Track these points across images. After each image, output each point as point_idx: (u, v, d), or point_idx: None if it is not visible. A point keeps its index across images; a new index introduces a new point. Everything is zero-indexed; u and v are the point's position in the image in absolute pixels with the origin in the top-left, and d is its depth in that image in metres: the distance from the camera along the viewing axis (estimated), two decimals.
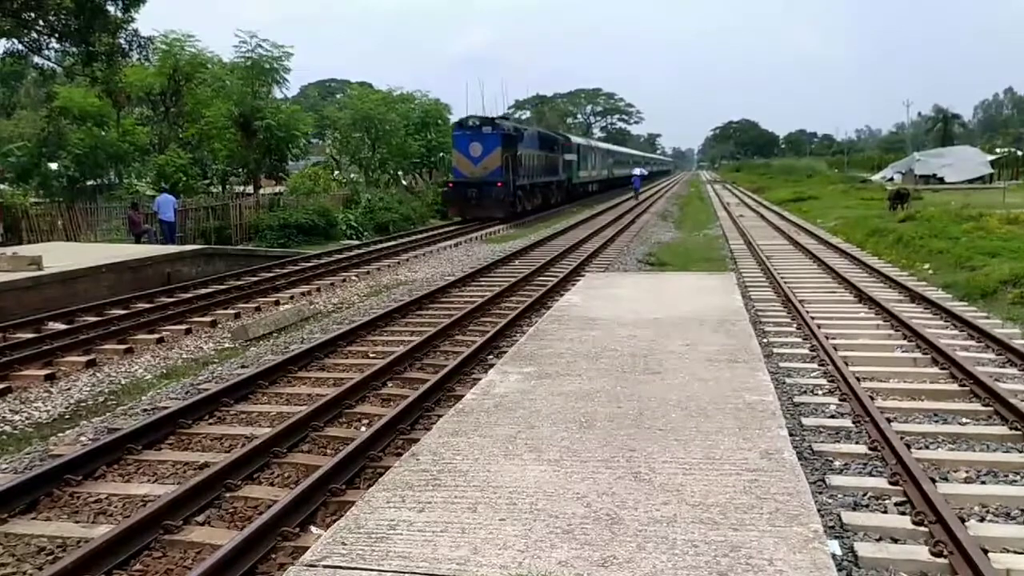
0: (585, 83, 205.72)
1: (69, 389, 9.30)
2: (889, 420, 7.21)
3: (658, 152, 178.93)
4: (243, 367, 9.80)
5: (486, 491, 4.08)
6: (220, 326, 12.74)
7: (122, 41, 25.90)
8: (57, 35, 25.26)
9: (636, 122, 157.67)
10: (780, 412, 5.29)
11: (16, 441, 7.77)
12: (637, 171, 61.82)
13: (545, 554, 3.37)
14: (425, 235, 28.14)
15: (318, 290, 16.09)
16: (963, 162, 64.17)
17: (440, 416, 7.30)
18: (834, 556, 4.60)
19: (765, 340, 10.36)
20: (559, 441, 4.78)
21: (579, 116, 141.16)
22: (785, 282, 15.08)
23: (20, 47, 25.94)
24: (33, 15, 24.26)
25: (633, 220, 34.12)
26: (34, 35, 25.46)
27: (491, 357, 9.92)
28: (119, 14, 25.17)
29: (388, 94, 45.77)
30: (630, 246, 23.78)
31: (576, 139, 55.14)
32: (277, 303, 14.51)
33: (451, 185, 33.73)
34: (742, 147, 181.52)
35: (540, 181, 39.70)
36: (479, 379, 7.86)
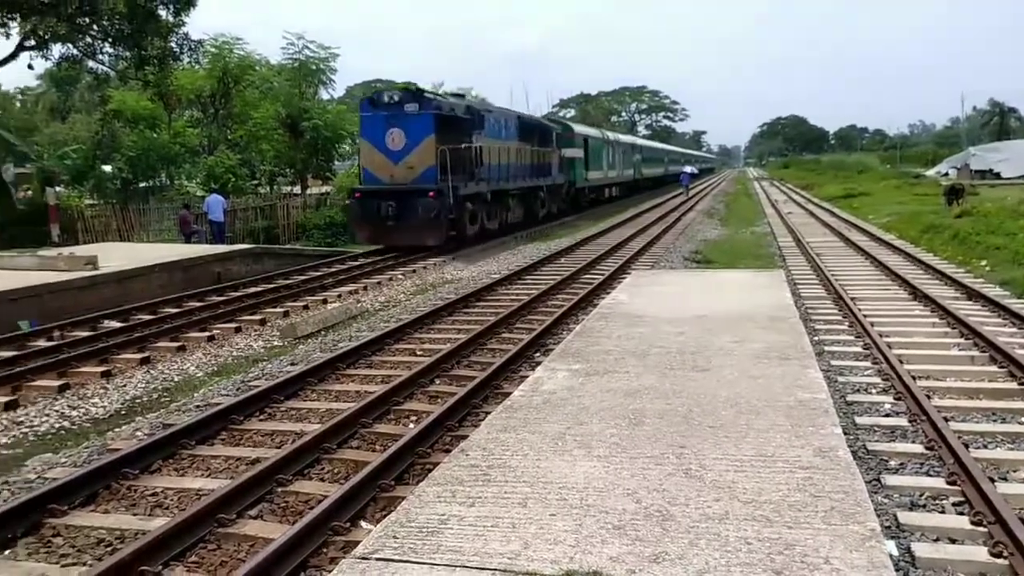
0: (630, 81, 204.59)
1: (124, 386, 9.51)
2: (946, 419, 7.05)
3: (703, 149, 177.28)
4: (292, 364, 9.92)
5: (536, 486, 4.08)
6: (269, 324, 12.91)
7: (173, 45, 26.45)
8: (111, 40, 25.87)
9: (681, 119, 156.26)
10: (833, 410, 5.21)
11: (75, 436, 7.97)
12: (688, 169, 62.09)
13: (596, 549, 3.36)
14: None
15: (365, 289, 16.22)
16: (1020, 157, 62.35)
17: (488, 413, 7.32)
18: (891, 556, 4.51)
19: (816, 337, 10.20)
20: (608, 437, 4.76)
21: (624, 114, 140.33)
22: (836, 279, 14.83)
23: (75, 52, 26.64)
24: (87, 20, 24.87)
25: (679, 218, 33.84)
26: (88, 40, 26.11)
27: (538, 354, 9.90)
28: (170, 18, 25.68)
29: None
30: (676, 243, 23.59)
31: (582, 129, 41.19)
32: (325, 301, 14.67)
33: (357, 195, 21.50)
34: (790, 143, 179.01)
35: (517, 186, 26.98)
36: (527, 376, 7.87)
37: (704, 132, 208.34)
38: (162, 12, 25.44)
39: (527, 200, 28.84)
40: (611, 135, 49.83)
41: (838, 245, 22.16)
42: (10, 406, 8.57)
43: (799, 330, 7.75)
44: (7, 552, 5.21)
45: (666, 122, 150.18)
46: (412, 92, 21.57)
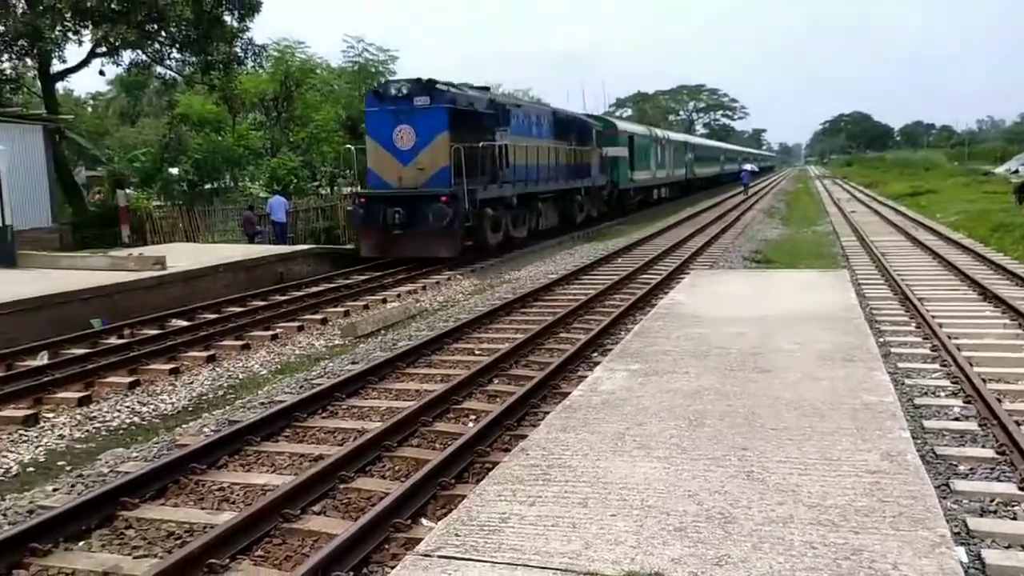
0: (688, 79, 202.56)
1: (191, 383, 9.76)
2: (1018, 423, 6.84)
3: (763, 148, 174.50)
4: (353, 363, 10.06)
5: (596, 486, 4.08)
6: (330, 323, 13.12)
7: (238, 49, 27.08)
8: (178, 45, 26.58)
9: (740, 118, 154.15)
10: (901, 413, 5.11)
11: (144, 432, 8.21)
12: (747, 167, 61.69)
13: (658, 551, 3.35)
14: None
15: (424, 288, 16.37)
16: None
17: (547, 413, 7.34)
18: (961, 563, 4.40)
19: (882, 339, 9.98)
20: (668, 438, 4.74)
21: (681, 113, 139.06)
22: (902, 279, 14.49)
23: (144, 58, 27.42)
24: (156, 27, 25.59)
25: (738, 217, 33.40)
26: (157, 46, 26.87)
27: (596, 354, 9.88)
28: (235, 24, 26.29)
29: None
30: (735, 243, 23.29)
31: (626, 126, 38.45)
32: (384, 301, 14.84)
33: (362, 200, 19.17)
34: (853, 140, 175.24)
35: (549, 189, 24.46)
36: (585, 376, 7.87)
37: (764, 130, 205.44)
38: (227, 18, 26.06)
39: (562, 204, 26.25)
40: (660, 132, 45.96)
41: (904, 244, 21.64)
42: (83, 402, 8.86)
43: (864, 331, 7.60)
44: (82, 543, 5.39)
45: (725, 120, 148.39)
46: (422, 83, 18.73)
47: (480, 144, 19.22)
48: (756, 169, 74.62)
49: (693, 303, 9.44)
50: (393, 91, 19.01)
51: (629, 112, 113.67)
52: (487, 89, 22.79)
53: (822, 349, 6.79)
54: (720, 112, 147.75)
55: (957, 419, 7.26)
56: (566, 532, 3.58)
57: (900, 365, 8.97)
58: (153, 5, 24.19)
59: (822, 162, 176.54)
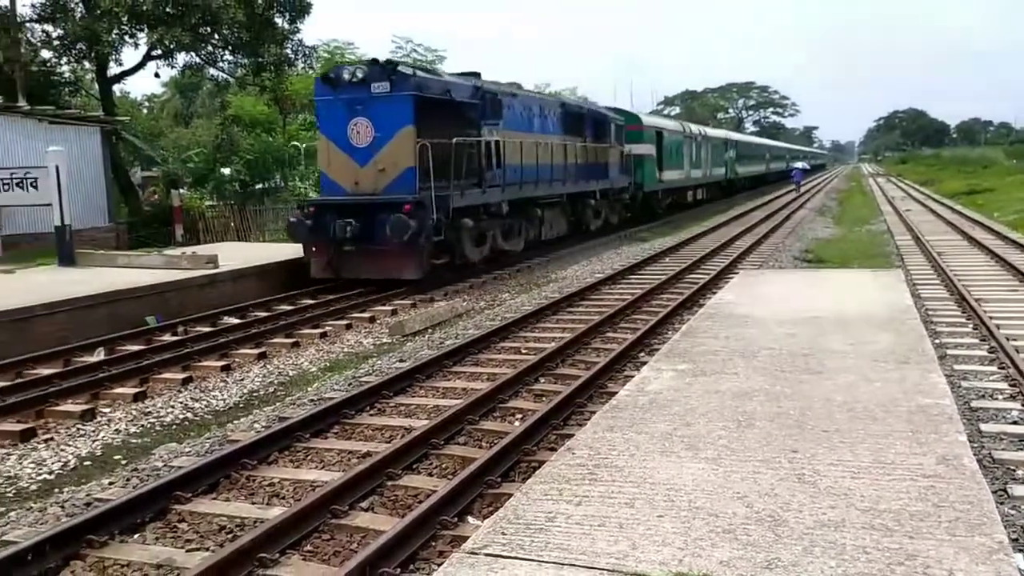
0: (737, 77, 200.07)
1: (243, 380, 9.91)
2: None
3: (815, 145, 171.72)
4: (401, 361, 10.14)
5: (643, 487, 4.05)
6: (378, 322, 13.22)
7: (288, 51, 27.47)
8: (230, 48, 27.05)
9: (791, 115, 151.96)
10: (957, 416, 4.98)
11: (197, 427, 8.36)
12: (799, 165, 61.42)
13: (706, 553, 3.32)
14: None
15: (470, 288, 16.42)
16: None
17: (593, 412, 7.32)
18: (1019, 570, 4.28)
19: (938, 340, 9.76)
20: (716, 440, 4.69)
21: (730, 111, 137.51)
22: (959, 279, 14.15)
23: (197, 60, 27.95)
24: (209, 30, 26.09)
25: (789, 216, 32.92)
26: (210, 48, 27.38)
27: (643, 354, 9.82)
28: (286, 26, 26.67)
29: None
30: (785, 242, 22.97)
31: (654, 120, 34.17)
32: (432, 300, 14.92)
33: (311, 210, 15.82)
34: (908, 138, 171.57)
35: (553, 193, 21.18)
36: (631, 376, 7.82)
37: (815, 127, 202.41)
38: (278, 20, 26.45)
39: (572, 209, 23.19)
40: (694, 128, 41.21)
41: (961, 244, 21.13)
42: (139, 397, 9.05)
43: (919, 332, 7.43)
44: (136, 536, 5.51)
45: (775, 118, 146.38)
46: (381, 66, 15.38)
47: (457, 140, 15.92)
48: (808, 167, 73.68)
49: (742, 303, 9.33)
50: (346, 76, 15.47)
51: (677, 110, 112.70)
52: (476, 75, 18.69)
53: (876, 350, 6.66)
54: (770, 109, 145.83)
55: (1015, 423, 7.06)
56: (613, 532, 3.56)
57: (956, 367, 8.76)
58: (207, 8, 24.65)
59: (876, 160, 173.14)
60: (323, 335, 12.12)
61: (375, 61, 15.68)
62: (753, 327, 7.87)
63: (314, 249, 15.53)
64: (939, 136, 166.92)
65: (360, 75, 15.33)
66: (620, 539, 3.49)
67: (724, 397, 5.52)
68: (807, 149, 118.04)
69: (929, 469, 4.12)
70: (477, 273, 17.23)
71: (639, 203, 29.92)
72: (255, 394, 9.43)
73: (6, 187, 17.30)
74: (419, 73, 16.35)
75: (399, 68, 15.57)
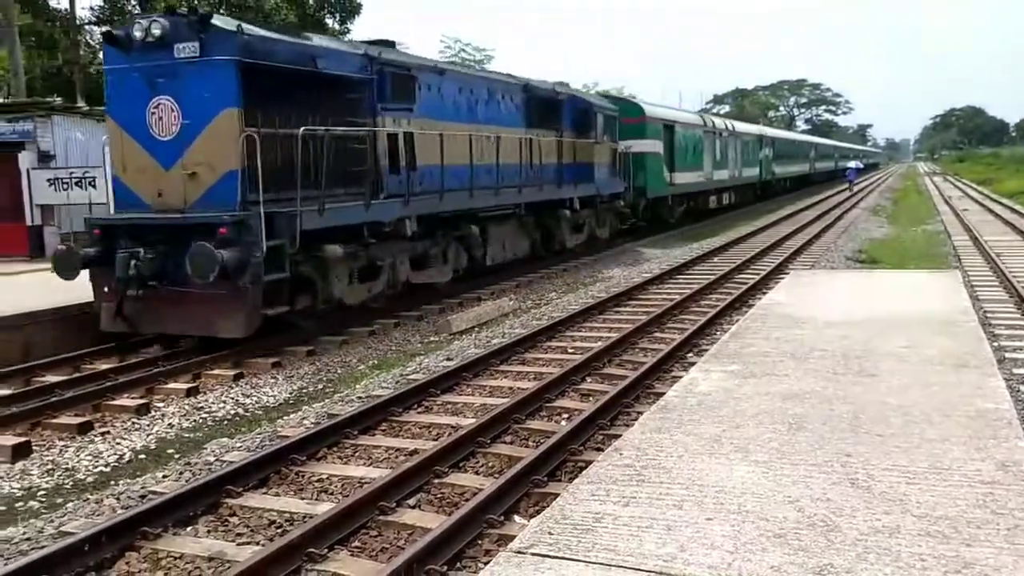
0: (789, 74, 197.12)
1: (292, 376, 10.04)
2: None
3: (869, 144, 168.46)
4: (448, 359, 10.18)
5: (691, 489, 4.00)
6: (426, 320, 13.29)
7: None
8: None
9: (844, 113, 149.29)
10: (1017, 421, 4.84)
11: (248, 423, 8.49)
12: (853, 164, 60.78)
13: (756, 557, 3.26)
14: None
15: (517, 287, 16.42)
16: None
17: (640, 413, 7.27)
18: None
19: (996, 344, 9.51)
20: (767, 442, 4.61)
21: (782, 109, 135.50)
22: (1018, 281, 13.76)
23: None
24: None
25: (841, 215, 32.35)
26: None
27: (691, 355, 9.74)
28: (336, 26, 27.01)
29: None
30: (838, 243, 22.58)
31: (660, 111, 27.67)
32: (479, 299, 14.95)
33: (95, 233, 10.93)
34: (965, 136, 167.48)
35: (504, 204, 16.35)
36: (679, 377, 7.76)
37: (869, 125, 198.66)
38: (329, 20, 26.82)
39: (539, 223, 18.12)
40: (719, 121, 36.32)
41: (1020, 244, 20.56)
42: (191, 392, 9.22)
43: (978, 335, 7.24)
44: (189, 528, 5.61)
45: (828, 116, 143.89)
46: (188, 19, 10.38)
47: (325, 131, 11.11)
48: (861, 166, 72.99)
49: (793, 304, 9.18)
50: (139, 34, 10.41)
51: (727, 109, 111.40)
52: (390, 44, 13.95)
53: (932, 353, 6.50)
54: (823, 107, 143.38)
55: None
56: (661, 534, 3.52)
57: (1016, 371, 8.53)
58: (259, 9, 25.07)
59: (932, 158, 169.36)
60: (371, 333, 12.20)
61: (177, 13, 10.60)
62: (804, 328, 7.74)
63: (106, 290, 10.71)
64: (997, 135, 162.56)
65: (158, 31, 10.26)
66: (668, 541, 3.45)
67: (775, 399, 5.44)
68: (858, 147, 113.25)
69: (988, 475, 4.01)
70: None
71: (642, 211, 25.30)
72: (304, 391, 9.55)
73: (66, 187, 17.74)
74: (251, 30, 10.72)
75: (214, 22, 10.35)
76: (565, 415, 7.77)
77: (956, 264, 17.34)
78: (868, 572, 3.11)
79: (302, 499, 6.03)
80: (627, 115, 24.08)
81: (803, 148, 58.16)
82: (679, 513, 3.73)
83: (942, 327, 7.52)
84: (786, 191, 49.76)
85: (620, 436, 5.11)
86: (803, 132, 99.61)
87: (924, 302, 8.91)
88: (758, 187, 42.35)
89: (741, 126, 40.35)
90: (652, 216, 26.25)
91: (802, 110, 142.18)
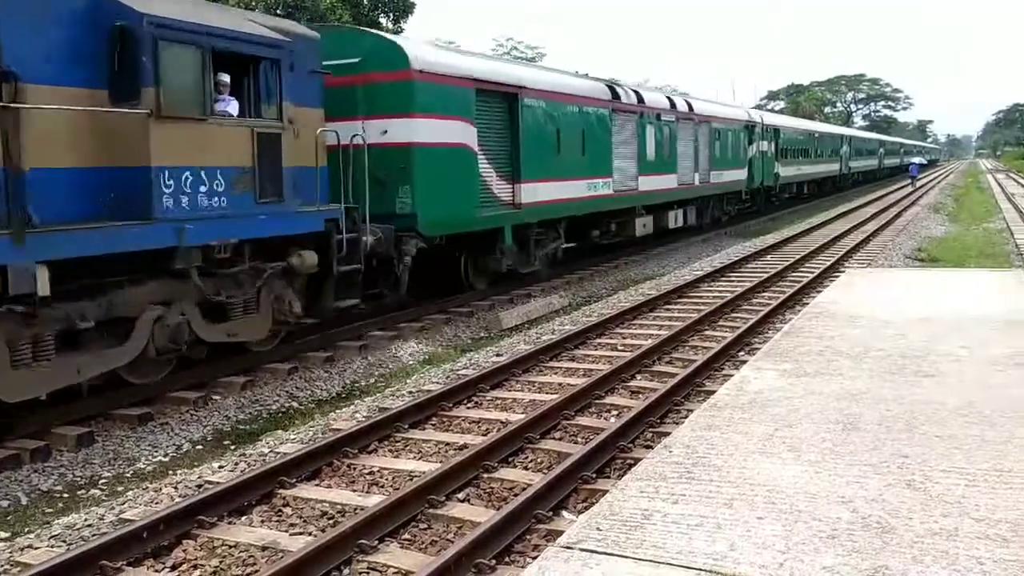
0: (847, 69, 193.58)
1: (344, 371, 10.16)
2: None
3: (929, 140, 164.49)
4: (498, 355, 10.21)
5: (742, 487, 3.97)
6: (476, 316, 13.34)
7: None
8: None
9: (904, 108, 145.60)
10: None
11: (301, 415, 8.64)
12: (916, 160, 62.40)
13: (808, 558, 3.22)
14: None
15: (567, 284, 16.39)
16: None
17: (690, 411, 7.22)
18: None
19: None
20: (820, 442, 4.55)
21: (839, 104, 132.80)
22: None
23: None
24: None
25: (900, 213, 31.65)
26: None
27: (742, 353, 9.64)
28: (390, 25, 27.22)
29: None
30: (896, 240, 22.10)
31: (649, 94, 20.88)
32: (529, 296, 14.96)
33: None
34: None
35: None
36: (730, 375, 7.69)
37: (930, 121, 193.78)
38: (383, 20, 27.03)
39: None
40: (740, 111, 28.12)
41: None
42: (247, 386, 9.38)
43: None
44: (244, 518, 5.72)
45: (886, 112, 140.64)
46: None
47: None
48: (924, 162, 72.56)
49: (849, 302, 9.02)
50: None
51: (782, 105, 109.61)
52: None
53: (994, 354, 6.33)
54: (882, 103, 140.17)
55: None
56: (710, 532, 3.50)
57: None
58: (314, 10, 25.38)
59: (995, 155, 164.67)
60: (422, 329, 12.27)
61: None
62: (860, 327, 7.60)
63: None
64: None
65: None
66: (718, 539, 3.43)
67: (829, 399, 5.35)
68: (908, 142, 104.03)
69: None
70: (573, 269, 16.71)
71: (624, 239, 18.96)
72: (356, 385, 9.68)
73: None
74: None
75: None
76: (614, 412, 7.75)
77: (1020, 263, 16.85)
78: (924, 575, 3.05)
79: (353, 491, 6.11)
80: (606, 98, 17.64)
81: (831, 143, 45.69)
82: (729, 511, 3.70)
83: (1005, 327, 7.32)
84: (797, 200, 38.68)
85: (670, 434, 5.08)
86: (860, 128, 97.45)
87: (986, 302, 8.69)
88: (763, 194, 31.28)
89: (722, 110, 27.00)
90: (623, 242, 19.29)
91: (860, 106, 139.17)
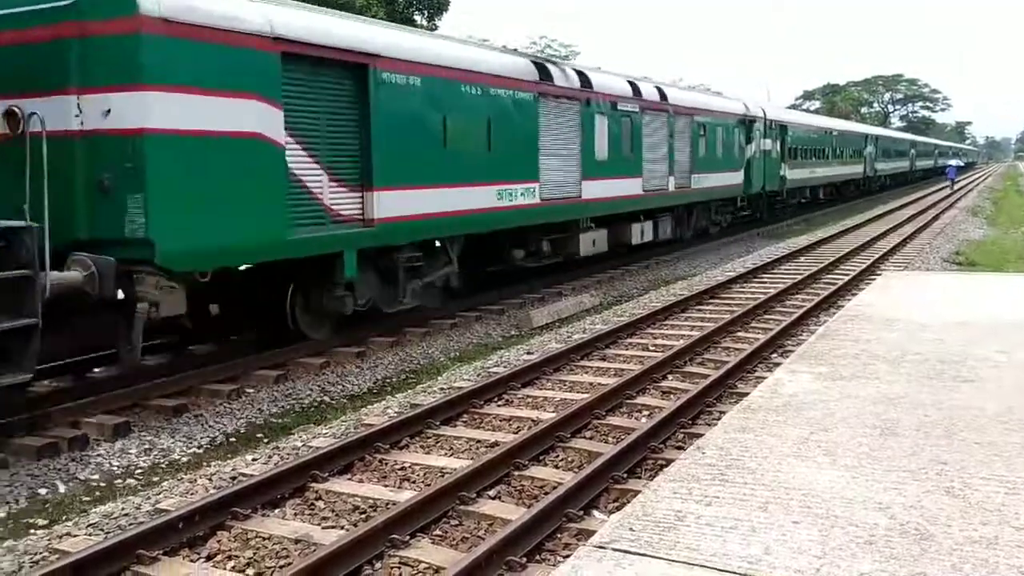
0: (883, 69, 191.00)
1: (376, 366, 10.23)
2: None
3: (967, 142, 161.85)
4: (528, 354, 10.22)
5: (776, 491, 3.93)
6: (507, 314, 13.35)
7: None
8: None
9: (942, 109, 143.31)
10: None
11: (333, 410, 8.70)
12: (953, 162, 61.75)
13: (845, 563, 3.19)
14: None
15: (597, 283, 16.36)
16: None
17: (722, 413, 7.18)
18: None
19: None
20: (856, 447, 4.49)
21: (875, 105, 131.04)
22: None
23: None
24: None
25: (937, 216, 31.20)
26: None
27: (775, 355, 9.57)
28: (424, 22, 27.32)
29: None
30: (933, 243, 21.80)
31: (600, 76, 16.31)
32: (560, 295, 14.95)
33: None
34: None
35: None
36: (763, 377, 7.63)
37: (968, 123, 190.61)
38: (417, 17, 27.13)
39: None
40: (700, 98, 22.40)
41: None
42: (279, 380, 9.47)
43: None
44: (276, 510, 5.78)
45: (924, 112, 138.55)
46: None
47: None
48: (962, 164, 72.51)
49: (885, 305, 8.90)
50: None
51: (817, 105, 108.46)
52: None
53: None
54: (919, 104, 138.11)
55: None
56: (745, 535, 3.47)
57: None
58: (350, 7, 25.52)
59: None
60: (453, 326, 12.31)
61: None
62: (897, 331, 7.50)
63: None
64: None
65: None
66: (753, 542, 3.40)
67: (865, 403, 5.29)
68: (941, 143, 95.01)
69: None
70: (600, 269, 16.11)
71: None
72: (387, 380, 9.73)
73: None
74: None
75: None
76: (645, 412, 7.73)
77: None
78: None
79: (385, 486, 6.15)
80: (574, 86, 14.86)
81: (851, 142, 41.08)
82: (764, 515, 3.67)
83: None
84: (825, 206, 36.58)
85: (702, 435, 5.06)
86: (896, 129, 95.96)
87: None
88: (767, 202, 27.95)
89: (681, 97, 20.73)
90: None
91: (897, 107, 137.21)
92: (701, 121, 21.01)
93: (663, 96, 18.92)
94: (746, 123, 24.54)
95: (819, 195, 35.81)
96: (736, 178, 23.59)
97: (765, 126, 26.33)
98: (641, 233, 18.07)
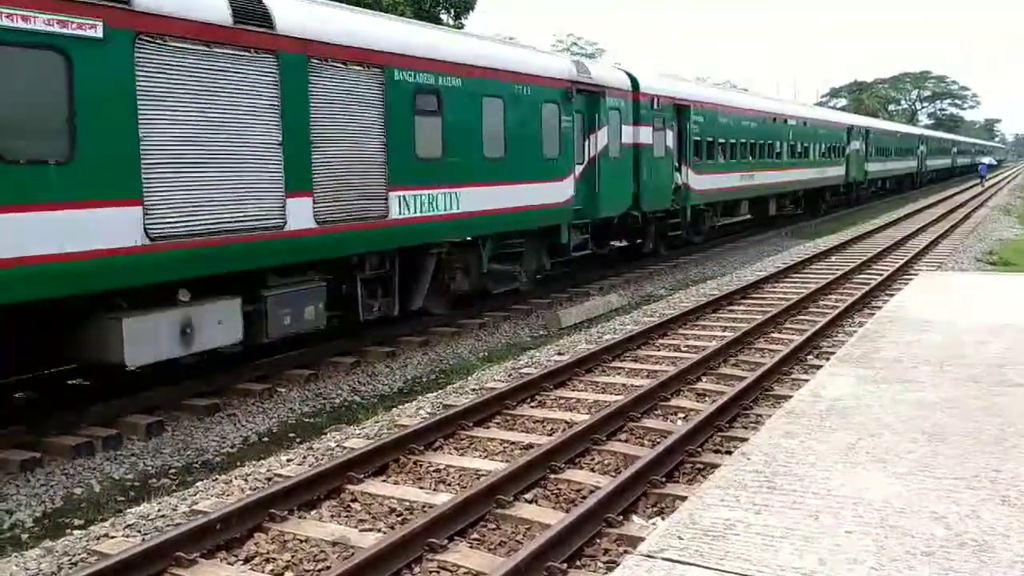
0: (911, 66, 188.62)
1: (406, 366, 10.21)
2: None
3: (996, 139, 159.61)
4: (559, 354, 10.15)
5: (827, 499, 3.85)
6: (535, 314, 13.29)
7: None
8: None
9: (971, 107, 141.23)
10: None
11: (364, 410, 8.68)
12: (985, 160, 63.37)
13: (903, 575, 3.11)
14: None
15: (626, 283, 16.26)
16: None
17: (759, 416, 7.10)
18: None
19: None
20: (906, 453, 4.40)
21: (903, 102, 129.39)
22: None
23: None
24: None
25: (968, 215, 30.76)
26: None
27: (811, 357, 9.44)
28: (451, 21, 27.30)
29: None
30: (965, 243, 21.48)
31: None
32: (588, 295, 14.87)
33: None
34: None
35: None
36: (799, 379, 7.53)
37: (998, 120, 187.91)
38: (443, 16, 27.10)
39: None
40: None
41: None
42: (310, 379, 9.47)
43: None
44: (313, 512, 5.76)
45: (953, 110, 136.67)
46: None
47: None
48: (994, 163, 73.13)
49: (924, 307, 8.75)
50: None
51: (844, 102, 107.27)
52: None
53: None
54: (948, 101, 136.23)
55: None
56: (797, 545, 3.39)
57: None
58: (377, 6, 25.53)
59: None
60: (482, 326, 12.27)
61: None
62: (937, 333, 7.36)
63: None
64: None
65: None
66: (806, 553, 3.32)
67: (911, 407, 5.18)
68: (977, 141, 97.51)
69: None
70: (631, 268, 16.53)
71: None
72: (418, 381, 9.71)
73: None
74: None
75: None
76: (681, 415, 7.64)
77: None
78: None
79: (420, 488, 6.11)
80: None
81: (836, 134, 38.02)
82: (815, 524, 3.59)
83: None
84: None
85: (745, 440, 4.99)
86: (926, 127, 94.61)
87: None
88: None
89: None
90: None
91: (925, 104, 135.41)
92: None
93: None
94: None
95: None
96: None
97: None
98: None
